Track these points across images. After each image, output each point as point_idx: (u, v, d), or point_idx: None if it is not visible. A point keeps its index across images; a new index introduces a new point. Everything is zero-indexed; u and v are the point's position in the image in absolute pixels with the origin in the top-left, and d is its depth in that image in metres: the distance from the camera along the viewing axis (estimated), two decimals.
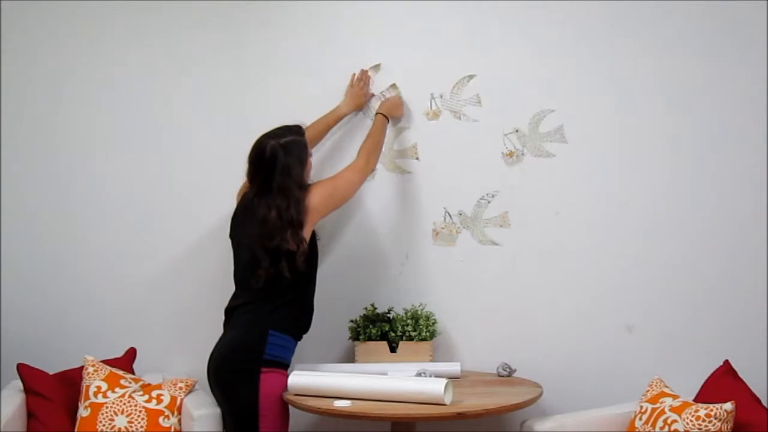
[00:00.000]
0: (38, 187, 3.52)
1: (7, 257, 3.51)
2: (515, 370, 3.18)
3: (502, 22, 3.36)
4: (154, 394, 3.05)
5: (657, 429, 2.74)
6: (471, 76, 3.37)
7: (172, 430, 3.00)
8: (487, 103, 3.36)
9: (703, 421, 2.65)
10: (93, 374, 3.06)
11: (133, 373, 3.21)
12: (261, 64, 3.46)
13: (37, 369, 3.10)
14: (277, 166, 2.93)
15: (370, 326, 3.27)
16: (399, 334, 3.23)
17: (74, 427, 3.01)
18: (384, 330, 3.25)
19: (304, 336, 3.08)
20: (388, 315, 3.32)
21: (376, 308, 3.32)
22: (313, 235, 3.03)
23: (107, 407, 2.99)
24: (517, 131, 3.34)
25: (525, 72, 3.35)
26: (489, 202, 3.37)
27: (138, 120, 3.50)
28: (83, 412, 3.01)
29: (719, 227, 3.23)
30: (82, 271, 3.51)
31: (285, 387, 2.89)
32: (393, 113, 3.36)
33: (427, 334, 3.23)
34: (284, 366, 2.96)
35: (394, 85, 3.40)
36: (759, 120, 3.19)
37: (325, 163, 3.39)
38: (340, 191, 3.08)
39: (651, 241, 3.28)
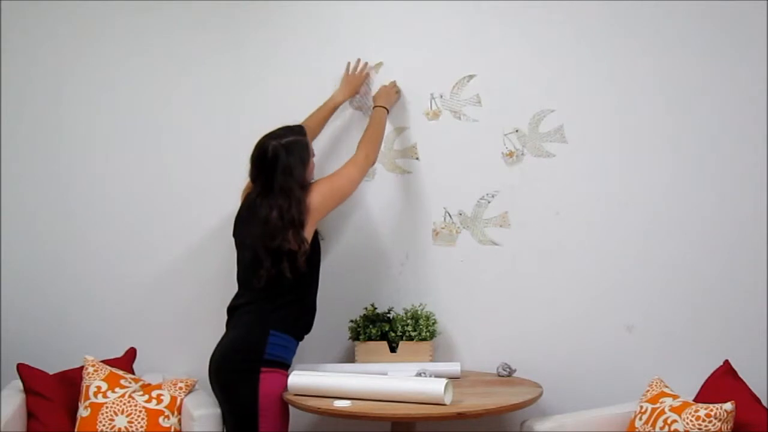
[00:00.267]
0: (38, 187, 3.52)
1: (7, 257, 3.51)
2: (515, 370, 3.18)
3: (502, 22, 3.36)
4: (154, 394, 3.05)
5: (657, 429, 2.74)
6: (471, 76, 3.37)
7: (172, 430, 3.00)
8: (487, 103, 3.36)
9: (703, 421, 2.65)
10: (93, 374, 3.06)
11: (133, 373, 3.21)
12: (261, 64, 3.46)
13: (37, 369, 3.10)
14: (279, 166, 2.93)
15: (370, 326, 3.27)
16: (399, 334, 3.23)
17: (74, 427, 3.01)
18: (384, 330, 3.25)
19: (305, 336, 3.08)
20: (388, 315, 3.32)
21: (376, 308, 3.32)
22: (316, 234, 3.04)
23: (107, 407, 2.99)
24: (517, 131, 3.35)
25: (525, 72, 3.35)
26: (489, 202, 3.37)
27: (138, 120, 3.51)
28: (83, 412, 3.01)
29: (719, 227, 3.23)
30: (82, 271, 3.51)
31: (285, 387, 2.89)
32: (392, 102, 3.35)
33: (427, 334, 3.23)
34: (285, 366, 2.96)
35: (394, 83, 3.39)
36: (759, 120, 3.19)
37: (326, 159, 3.38)
38: (340, 188, 3.08)
39: (651, 241, 3.28)
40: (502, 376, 3.18)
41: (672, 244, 3.26)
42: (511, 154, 3.36)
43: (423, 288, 3.40)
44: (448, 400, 2.69)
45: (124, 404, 3.00)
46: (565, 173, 3.32)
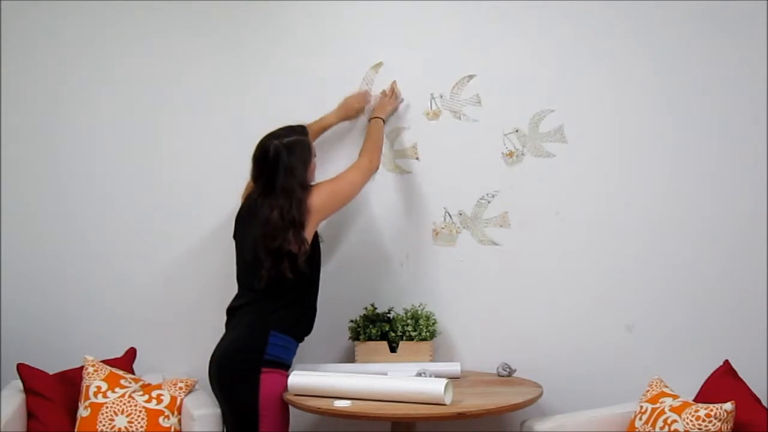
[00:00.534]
0: (38, 187, 3.52)
1: (7, 257, 3.51)
2: (515, 370, 3.18)
3: (502, 22, 3.36)
4: (154, 394, 3.05)
5: (657, 429, 2.74)
6: (471, 76, 3.37)
7: (172, 430, 3.00)
8: (487, 103, 3.36)
9: (703, 421, 2.65)
10: (93, 374, 3.06)
11: (133, 373, 3.21)
12: (261, 64, 3.46)
13: (37, 369, 3.10)
14: (281, 166, 2.93)
15: (370, 326, 3.27)
16: (399, 334, 3.23)
17: (74, 427, 3.01)
18: (384, 330, 3.25)
19: (305, 337, 3.08)
20: (388, 315, 3.32)
21: (376, 308, 3.32)
22: (316, 236, 3.03)
23: (107, 407, 2.99)
24: (517, 131, 3.35)
25: (525, 72, 3.35)
26: (489, 202, 3.37)
27: (138, 120, 3.50)
28: (83, 412, 3.01)
29: (719, 227, 3.23)
30: (82, 271, 3.51)
31: (285, 387, 2.89)
32: (387, 112, 3.35)
33: (427, 334, 3.23)
34: (285, 366, 2.96)
35: (394, 83, 3.39)
36: (759, 120, 3.19)
37: (327, 165, 3.39)
38: (342, 192, 3.08)
39: (651, 241, 3.28)
40: (502, 376, 3.18)
41: (672, 244, 3.26)
42: (511, 154, 3.36)
43: (423, 288, 3.39)
44: (448, 400, 2.69)
45: (124, 404, 3.00)
46: (565, 173, 3.32)
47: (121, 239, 3.50)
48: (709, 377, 2.94)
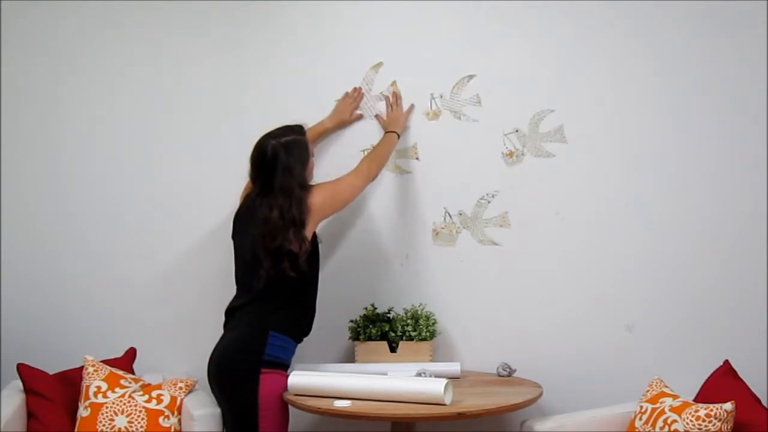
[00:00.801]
0: (38, 187, 3.52)
1: (7, 257, 3.51)
2: (515, 370, 3.18)
3: (502, 22, 3.36)
4: (154, 394, 3.05)
5: (657, 429, 2.74)
6: (471, 76, 3.37)
7: (172, 430, 3.00)
8: (487, 103, 3.36)
9: (703, 421, 2.65)
10: (93, 374, 3.06)
11: (133, 373, 3.21)
12: (261, 64, 3.46)
13: (37, 369, 3.10)
14: (279, 165, 2.93)
15: (370, 326, 3.27)
16: (399, 334, 3.23)
17: (74, 427, 3.01)
18: (384, 330, 3.25)
19: (304, 338, 3.08)
20: (388, 315, 3.32)
21: (376, 308, 3.32)
22: (314, 236, 3.03)
23: (107, 407, 2.99)
24: (517, 131, 3.34)
25: (525, 72, 3.35)
26: (489, 202, 3.37)
27: (138, 120, 3.50)
28: (83, 412, 3.01)
29: (719, 227, 3.23)
30: (82, 271, 3.51)
31: (285, 387, 2.89)
32: (401, 125, 3.35)
33: (427, 334, 3.23)
34: (284, 367, 2.96)
35: (394, 83, 3.40)
36: (759, 120, 3.19)
37: (328, 168, 3.39)
38: (341, 194, 3.09)
39: (651, 241, 3.28)
40: (502, 376, 3.18)
41: (672, 244, 3.26)
42: (511, 154, 3.36)
43: (423, 288, 3.39)
44: (448, 400, 2.69)
45: (124, 404, 3.00)
46: (565, 173, 3.32)
47: (121, 239, 3.50)
48: (709, 377, 2.94)
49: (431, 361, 3.23)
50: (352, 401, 2.73)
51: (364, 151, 3.39)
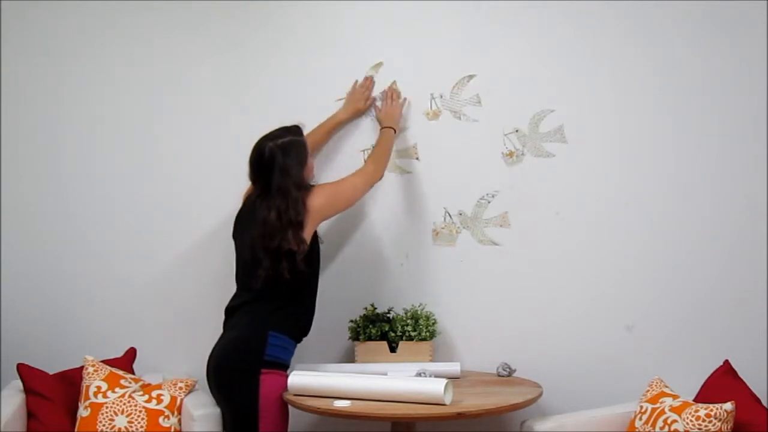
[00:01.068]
0: (38, 187, 3.52)
1: (7, 257, 3.51)
2: (515, 370, 3.18)
3: (502, 22, 3.36)
4: (154, 394, 3.05)
5: (657, 429, 2.74)
6: (471, 76, 3.37)
7: (172, 430, 3.00)
8: (487, 103, 3.36)
9: (703, 421, 2.65)
10: (93, 374, 3.06)
11: (133, 373, 3.21)
12: (261, 64, 3.46)
13: (37, 369, 3.10)
14: (276, 167, 2.93)
15: (370, 326, 3.27)
16: (399, 334, 3.23)
17: (74, 427, 3.01)
18: (384, 330, 3.25)
19: (303, 338, 3.08)
20: (388, 315, 3.32)
21: (376, 308, 3.32)
22: (315, 237, 3.03)
23: (107, 407, 2.99)
24: (517, 131, 3.34)
25: (525, 72, 3.35)
26: (489, 202, 3.37)
27: (138, 120, 3.50)
28: (83, 412, 3.01)
29: (719, 227, 3.23)
30: (82, 271, 3.51)
31: (285, 388, 2.89)
32: (396, 119, 3.34)
33: (427, 334, 3.23)
34: (284, 367, 2.97)
35: (394, 82, 3.40)
36: (759, 120, 3.19)
37: (328, 168, 3.39)
38: (343, 195, 3.09)
39: (651, 241, 3.28)
40: (502, 376, 3.17)
41: (672, 244, 3.26)
42: (511, 154, 3.36)
43: (423, 288, 3.39)
44: (448, 400, 2.69)
45: (124, 404, 3.00)
46: (565, 173, 3.32)
47: (121, 239, 3.50)
48: (709, 377, 2.94)
49: (431, 361, 3.23)
50: (352, 401, 2.73)
51: (364, 151, 3.39)
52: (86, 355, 3.12)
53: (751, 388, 2.86)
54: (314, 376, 2.86)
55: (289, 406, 2.92)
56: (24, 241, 3.51)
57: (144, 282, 3.49)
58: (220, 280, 3.24)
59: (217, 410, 2.99)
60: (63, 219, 3.51)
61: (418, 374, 2.98)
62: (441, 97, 3.39)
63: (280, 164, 2.94)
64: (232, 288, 3.09)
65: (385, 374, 2.96)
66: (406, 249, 3.43)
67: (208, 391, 3.03)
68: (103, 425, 2.96)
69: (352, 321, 3.33)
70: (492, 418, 3.04)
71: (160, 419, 3.00)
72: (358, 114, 3.39)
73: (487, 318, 3.37)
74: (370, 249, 3.44)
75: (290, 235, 2.89)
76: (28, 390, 3.06)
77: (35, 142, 3.52)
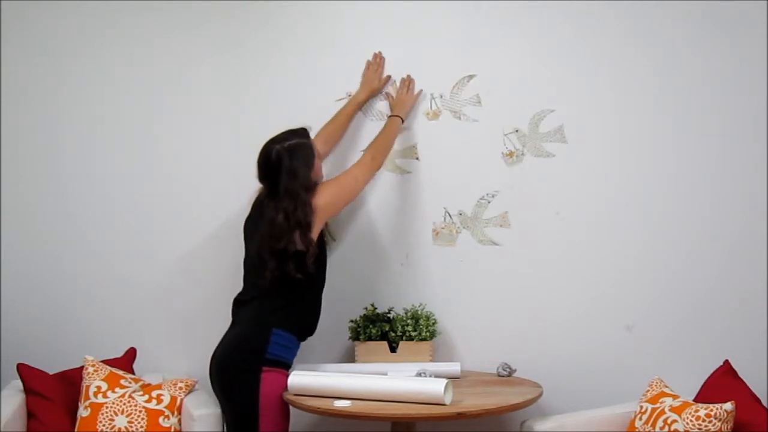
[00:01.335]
0: (38, 187, 3.52)
1: (7, 257, 3.51)
2: (515, 370, 3.18)
3: (502, 22, 3.36)
4: (154, 394, 3.05)
5: (657, 429, 2.74)
6: (471, 76, 3.37)
7: (172, 430, 3.00)
8: (487, 103, 3.36)
9: (703, 421, 2.65)
10: (93, 374, 3.06)
11: (133, 373, 3.21)
12: (261, 64, 3.46)
13: (37, 369, 3.10)
14: (283, 169, 2.95)
15: (370, 326, 3.27)
16: (399, 334, 3.23)
17: (74, 427, 3.01)
18: (384, 330, 3.25)
19: (307, 337, 3.08)
20: (388, 315, 3.32)
21: (376, 308, 3.32)
22: (322, 234, 3.04)
23: (107, 407, 2.99)
24: (517, 131, 3.34)
25: (525, 72, 3.35)
26: (489, 202, 3.37)
27: (138, 120, 3.50)
28: (83, 412, 3.01)
29: (719, 227, 3.23)
30: (82, 271, 3.51)
31: (286, 387, 2.89)
32: (407, 109, 3.35)
33: (427, 334, 3.23)
34: (286, 366, 2.97)
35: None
36: (759, 120, 3.19)
37: (329, 167, 3.39)
38: (346, 188, 3.11)
39: (651, 241, 3.28)
40: (502, 376, 3.17)
41: (672, 244, 3.26)
42: (511, 154, 3.36)
43: (423, 288, 3.39)
44: (448, 400, 2.69)
45: (124, 404, 3.00)
46: (565, 173, 3.32)
47: (121, 239, 3.50)
48: (709, 377, 2.94)
49: (431, 361, 3.23)
50: (352, 401, 2.73)
51: (363, 151, 3.39)
52: (86, 355, 3.12)
53: (751, 388, 2.86)
54: (314, 376, 2.86)
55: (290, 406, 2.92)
56: (24, 241, 3.51)
57: (144, 282, 3.49)
58: (220, 280, 3.24)
59: (217, 410, 2.99)
60: (63, 219, 3.51)
61: (418, 374, 2.98)
62: (441, 97, 3.39)
63: (287, 167, 2.95)
64: (233, 288, 3.08)
65: (385, 374, 2.96)
66: (406, 249, 3.43)
67: (209, 391, 3.03)
68: (103, 425, 2.96)
69: (352, 321, 3.33)
70: (492, 418, 3.04)
71: (160, 419, 3.00)
72: (375, 93, 3.39)
73: (487, 318, 3.37)
74: (370, 249, 3.44)
75: (297, 237, 2.90)
76: (28, 390, 3.06)
77: (35, 142, 3.52)
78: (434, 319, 3.29)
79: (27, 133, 3.52)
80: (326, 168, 3.31)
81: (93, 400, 3.01)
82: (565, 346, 3.32)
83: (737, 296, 3.21)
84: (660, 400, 2.84)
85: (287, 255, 2.91)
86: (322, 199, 2.99)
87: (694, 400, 2.83)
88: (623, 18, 3.27)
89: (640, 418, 2.84)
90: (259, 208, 3.05)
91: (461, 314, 3.38)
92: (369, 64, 3.39)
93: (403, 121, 3.33)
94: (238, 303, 3.06)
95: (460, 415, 2.68)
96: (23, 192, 3.52)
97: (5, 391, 3.13)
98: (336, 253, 3.42)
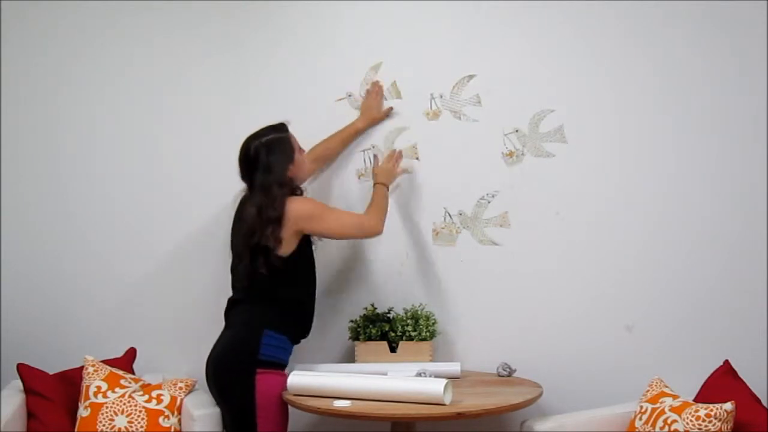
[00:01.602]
0: (38, 187, 3.52)
1: (7, 257, 3.51)
2: (515, 370, 3.18)
3: (502, 22, 3.36)
4: (154, 394, 3.05)
5: (657, 429, 2.74)
6: (471, 76, 3.37)
7: (172, 430, 3.00)
8: (487, 103, 3.36)
9: (703, 421, 2.65)
10: (93, 374, 3.06)
11: (133, 373, 3.21)
12: (261, 64, 3.47)
13: (37, 369, 3.10)
14: (260, 165, 2.95)
15: (370, 326, 3.27)
16: (399, 334, 3.23)
17: (74, 427, 3.01)
18: (384, 330, 3.25)
19: (301, 340, 3.08)
20: (388, 315, 3.32)
21: (376, 308, 3.32)
22: (308, 242, 3.05)
23: (107, 407, 2.99)
24: (517, 131, 3.34)
25: (525, 72, 3.35)
26: (489, 202, 3.37)
27: (138, 120, 3.51)
28: (83, 412, 3.01)
29: (719, 227, 3.23)
30: (82, 271, 3.51)
31: (283, 387, 2.89)
32: (392, 179, 3.31)
33: (427, 334, 3.23)
34: (281, 366, 2.97)
35: (394, 84, 3.40)
36: (759, 120, 3.19)
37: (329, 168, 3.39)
38: (326, 220, 3.03)
39: (651, 241, 3.27)
40: (502, 376, 3.17)
41: (672, 244, 3.26)
42: (511, 154, 3.36)
43: (423, 288, 3.39)
44: (447, 400, 2.69)
45: (124, 404, 3.00)
46: (565, 173, 3.32)
47: (121, 239, 3.50)
48: (709, 377, 2.94)
49: (431, 361, 3.23)
50: (352, 401, 2.73)
51: (364, 151, 3.40)
52: (86, 355, 3.12)
53: (751, 388, 2.86)
54: (314, 376, 2.86)
55: (289, 406, 2.92)
56: (24, 241, 3.51)
57: (144, 282, 3.50)
58: (220, 281, 3.23)
59: (217, 410, 2.99)
60: (63, 219, 3.51)
61: (418, 374, 2.98)
62: (441, 97, 3.39)
63: (263, 162, 2.95)
64: (230, 288, 3.09)
65: (385, 374, 2.96)
66: (406, 249, 3.43)
67: (208, 391, 3.03)
68: (103, 425, 2.96)
69: (352, 321, 3.33)
70: (492, 418, 3.04)
71: (160, 419, 3.00)
72: (375, 122, 3.39)
73: (487, 318, 3.37)
74: (370, 249, 3.43)
75: (269, 232, 2.89)
76: (28, 390, 3.06)
77: (35, 142, 3.52)
78: (434, 319, 3.29)
79: (27, 133, 3.52)
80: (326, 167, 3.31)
81: (93, 400, 3.01)
82: (565, 346, 3.31)
83: (737, 296, 3.20)
84: (660, 400, 2.84)
85: (258, 249, 2.90)
86: (297, 206, 2.96)
87: (694, 400, 2.83)
88: (623, 18, 3.27)
89: (640, 418, 2.84)
90: (240, 208, 3.05)
91: (461, 314, 3.38)
92: (368, 92, 3.38)
93: (387, 188, 3.26)
94: (232, 303, 3.06)
95: (459, 415, 2.68)
96: (23, 192, 3.52)
97: (5, 391, 3.13)
98: (336, 253, 3.42)
